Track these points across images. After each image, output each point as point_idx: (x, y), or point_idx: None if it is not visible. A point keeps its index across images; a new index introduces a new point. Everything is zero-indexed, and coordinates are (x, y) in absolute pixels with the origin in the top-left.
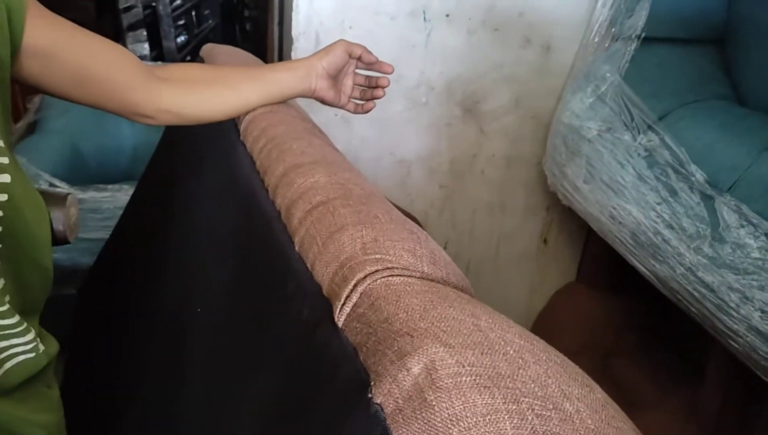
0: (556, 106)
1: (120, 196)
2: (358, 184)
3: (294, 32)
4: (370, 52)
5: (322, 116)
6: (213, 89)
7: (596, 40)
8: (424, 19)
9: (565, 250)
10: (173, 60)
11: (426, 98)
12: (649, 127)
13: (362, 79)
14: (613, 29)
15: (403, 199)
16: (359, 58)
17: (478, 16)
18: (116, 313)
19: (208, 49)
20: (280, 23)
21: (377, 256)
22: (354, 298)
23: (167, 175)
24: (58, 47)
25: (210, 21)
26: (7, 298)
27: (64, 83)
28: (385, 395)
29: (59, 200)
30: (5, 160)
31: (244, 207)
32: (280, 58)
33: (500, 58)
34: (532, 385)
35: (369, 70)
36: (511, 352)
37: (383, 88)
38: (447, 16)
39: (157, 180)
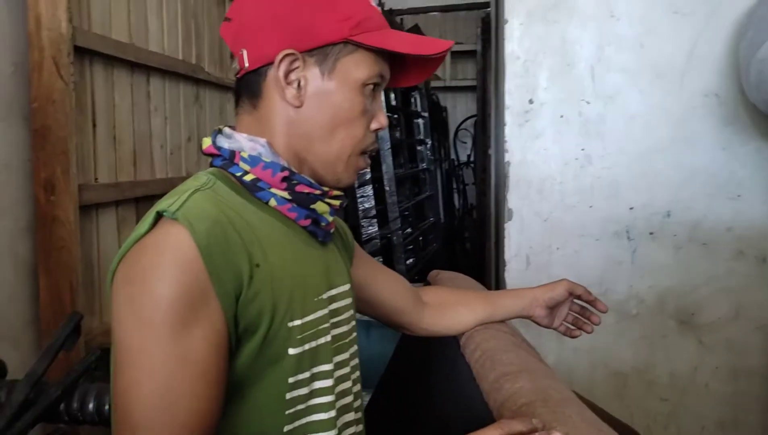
0: None
1: None
2: (557, 389)
3: (506, 256)
4: (590, 293)
5: (534, 331)
6: (456, 310)
7: None
8: (628, 238)
9: None
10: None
11: (636, 310)
12: None
13: (578, 309)
14: None
15: (622, 412)
16: (579, 296)
17: (684, 233)
18: None
19: (434, 274)
20: (497, 242)
21: None
22: None
23: (400, 386)
24: (367, 280)
25: (434, 244)
26: None
27: (361, 303)
28: None
29: None
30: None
31: (462, 406)
32: (497, 275)
33: (712, 270)
34: None
35: (586, 304)
36: None
37: (595, 324)
38: (651, 234)
39: (391, 391)
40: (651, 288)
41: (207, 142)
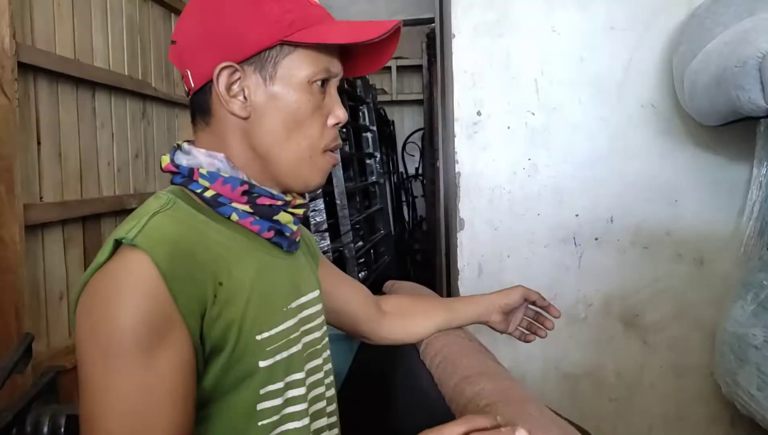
0: (718, 315)
1: None
2: (517, 390)
3: (459, 264)
4: (543, 298)
5: (489, 337)
6: (415, 318)
7: (748, 250)
8: (575, 244)
9: None
10: None
11: (585, 314)
12: None
13: (532, 314)
14: (762, 238)
15: (573, 413)
16: (533, 302)
17: (626, 238)
18: None
19: (389, 285)
20: (447, 252)
21: None
22: None
23: (360, 395)
24: (330, 289)
25: (386, 257)
26: None
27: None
28: None
29: None
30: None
31: (423, 411)
32: (448, 285)
33: (654, 273)
34: None
35: (540, 309)
36: None
37: (548, 329)
38: (596, 239)
39: (350, 400)
40: (597, 292)
41: (166, 160)
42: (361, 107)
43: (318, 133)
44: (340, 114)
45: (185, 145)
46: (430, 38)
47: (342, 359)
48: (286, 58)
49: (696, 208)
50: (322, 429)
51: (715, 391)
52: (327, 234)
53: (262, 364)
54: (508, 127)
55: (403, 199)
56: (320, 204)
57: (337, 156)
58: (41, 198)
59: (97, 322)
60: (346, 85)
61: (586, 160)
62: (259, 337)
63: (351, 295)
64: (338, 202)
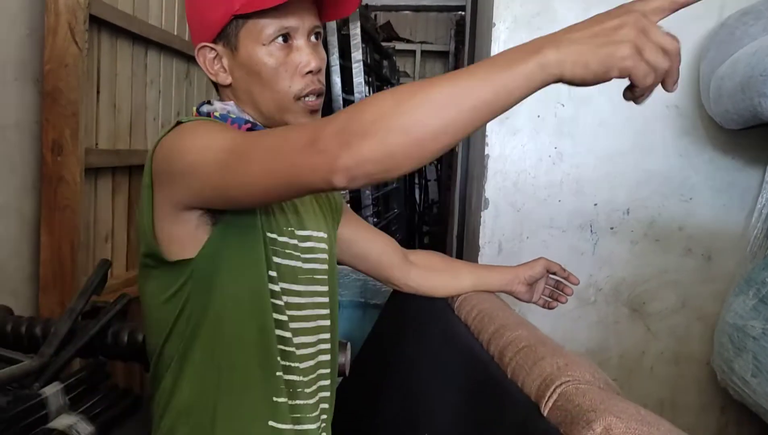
0: (720, 309)
1: None
2: (549, 338)
3: (481, 241)
4: (564, 269)
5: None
6: (443, 277)
7: (754, 249)
8: (591, 231)
9: None
10: None
11: (594, 298)
12: None
13: (553, 283)
14: None
15: None
16: (554, 273)
17: (640, 230)
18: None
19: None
20: (459, 237)
21: (569, 373)
22: (554, 396)
23: (392, 338)
24: (355, 236)
25: (397, 235)
26: None
27: (350, 258)
28: None
29: (341, 346)
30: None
31: (463, 357)
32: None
33: (663, 265)
34: None
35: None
36: (663, 429)
37: (568, 295)
38: (612, 228)
39: (381, 343)
40: (608, 278)
41: (194, 111)
42: (386, 87)
43: (286, 84)
44: (308, 59)
45: (210, 100)
46: (460, 25)
47: (355, 326)
48: (242, 29)
49: (708, 207)
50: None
51: (711, 379)
52: (348, 205)
53: (275, 259)
54: (538, 116)
55: (416, 181)
56: None
57: (317, 100)
58: (96, 145)
59: (187, 130)
60: (373, 59)
61: (608, 154)
62: (269, 235)
63: (376, 241)
64: None
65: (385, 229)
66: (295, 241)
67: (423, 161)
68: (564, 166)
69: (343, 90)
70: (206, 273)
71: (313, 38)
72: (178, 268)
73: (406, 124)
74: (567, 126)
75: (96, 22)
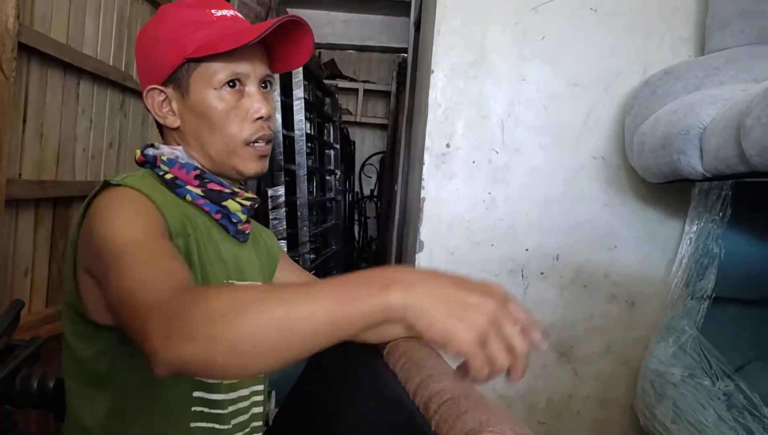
0: (643, 354)
1: None
2: (474, 389)
3: None
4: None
5: None
6: None
7: (675, 297)
8: (522, 276)
9: None
10: None
11: None
12: (726, 375)
13: None
14: (688, 288)
15: None
16: None
17: (569, 276)
18: None
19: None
20: None
21: (490, 428)
22: None
23: (318, 384)
24: (290, 280)
25: (334, 272)
26: None
27: None
28: None
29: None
30: None
31: (390, 405)
32: None
33: (590, 310)
34: None
35: None
36: None
37: None
38: (542, 274)
39: (308, 389)
40: (538, 322)
41: (138, 153)
42: (327, 125)
43: (236, 129)
44: (258, 107)
45: (155, 144)
46: (402, 67)
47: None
48: (194, 73)
49: (632, 256)
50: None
51: (634, 424)
52: (285, 242)
53: None
54: (474, 162)
55: (356, 218)
56: (282, 213)
57: (267, 146)
58: (20, 175)
59: (110, 212)
60: (315, 96)
61: (540, 200)
62: None
63: None
64: (299, 213)
65: (323, 265)
66: None
67: (251, 375)
68: (498, 211)
69: (284, 126)
70: (126, 349)
71: (263, 86)
72: (100, 331)
73: (231, 338)
74: (501, 172)
75: (26, 50)
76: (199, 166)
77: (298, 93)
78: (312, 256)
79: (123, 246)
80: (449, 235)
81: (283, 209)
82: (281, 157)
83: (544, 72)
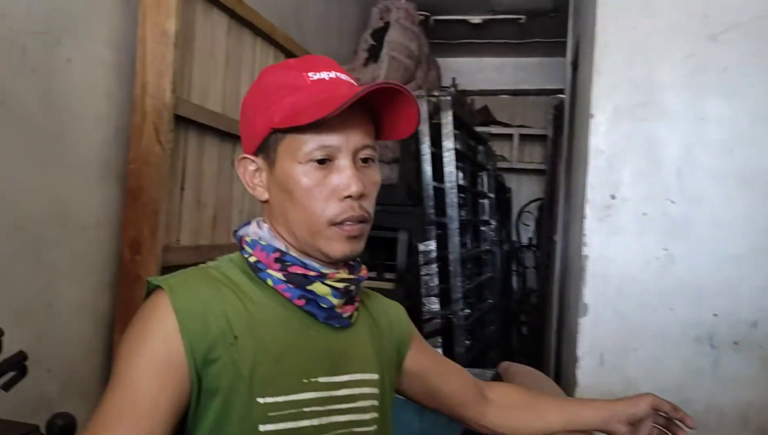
0: None
1: None
2: None
3: (579, 352)
4: (677, 409)
5: None
6: (526, 414)
7: None
8: (711, 345)
9: None
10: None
11: (717, 425)
12: None
13: (663, 422)
14: None
15: None
16: (665, 412)
17: None
18: None
19: (505, 366)
20: (559, 332)
21: None
22: None
23: None
24: (422, 371)
25: (491, 327)
26: None
27: (420, 395)
28: None
29: None
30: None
31: None
32: (557, 365)
33: None
34: None
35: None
36: None
37: None
38: (735, 343)
39: None
40: (733, 401)
41: (232, 232)
42: (480, 173)
43: (320, 207)
44: (344, 183)
45: (251, 220)
46: (558, 110)
47: (438, 431)
48: (281, 144)
49: None
50: None
51: None
52: (437, 298)
53: (262, 428)
54: (645, 214)
55: (513, 268)
56: (434, 268)
57: (358, 227)
58: (178, 240)
59: (122, 352)
60: (467, 145)
61: (728, 257)
62: (261, 400)
63: (449, 377)
64: (451, 268)
65: (479, 320)
66: (318, 394)
67: None
68: (676, 269)
69: (434, 178)
70: None
71: (360, 159)
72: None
73: None
74: (679, 225)
75: (183, 121)
76: (284, 246)
77: (448, 144)
78: (466, 311)
79: (112, 383)
80: (618, 298)
81: (435, 264)
82: (432, 210)
83: (726, 109)
